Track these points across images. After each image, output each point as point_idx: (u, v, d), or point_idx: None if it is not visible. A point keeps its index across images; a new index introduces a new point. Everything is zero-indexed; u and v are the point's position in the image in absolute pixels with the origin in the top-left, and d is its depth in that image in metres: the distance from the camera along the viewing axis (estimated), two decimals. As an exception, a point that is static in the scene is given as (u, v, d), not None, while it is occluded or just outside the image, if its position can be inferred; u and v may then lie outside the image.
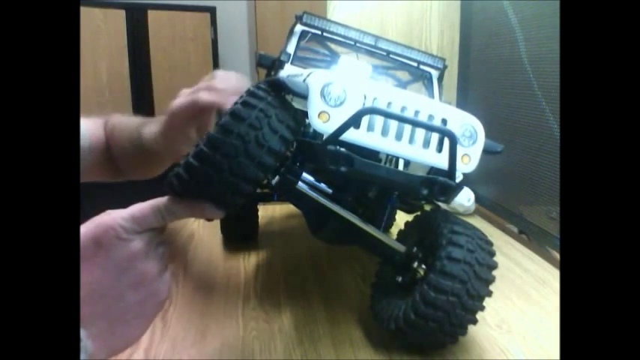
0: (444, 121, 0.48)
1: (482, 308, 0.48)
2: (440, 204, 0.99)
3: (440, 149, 0.48)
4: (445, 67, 0.64)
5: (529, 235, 0.90)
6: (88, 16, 2.02)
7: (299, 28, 0.61)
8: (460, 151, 0.48)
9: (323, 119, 0.45)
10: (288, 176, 0.50)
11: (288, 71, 0.58)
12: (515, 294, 0.66)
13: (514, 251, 0.82)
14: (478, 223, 0.96)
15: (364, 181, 0.51)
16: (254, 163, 0.39)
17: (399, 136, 0.47)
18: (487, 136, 0.50)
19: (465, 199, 0.97)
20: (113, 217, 0.37)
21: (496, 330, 0.57)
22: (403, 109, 0.47)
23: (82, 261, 0.35)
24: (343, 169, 0.46)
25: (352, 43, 0.63)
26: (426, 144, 0.48)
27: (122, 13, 2.15)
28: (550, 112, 0.78)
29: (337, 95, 0.46)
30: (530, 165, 0.86)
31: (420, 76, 0.65)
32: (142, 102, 2.20)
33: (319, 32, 0.61)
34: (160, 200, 0.40)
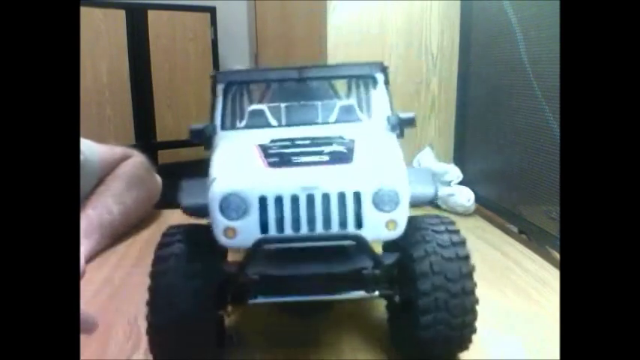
0: (357, 194, 0.43)
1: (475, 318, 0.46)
2: (440, 204, 0.99)
3: (359, 224, 0.43)
4: (385, 67, 0.61)
5: (529, 235, 0.90)
6: (88, 16, 2.02)
7: (220, 85, 0.58)
8: (383, 217, 0.43)
9: (230, 235, 0.42)
10: (242, 293, 0.46)
11: (222, 140, 0.52)
12: (516, 294, 0.66)
13: (514, 251, 0.82)
14: (478, 223, 0.96)
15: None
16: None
17: (311, 225, 0.43)
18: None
19: (465, 199, 0.97)
20: None
21: (496, 330, 0.57)
22: (311, 196, 0.43)
23: None
24: (261, 298, 0.45)
25: (277, 82, 0.62)
26: (343, 224, 0.43)
27: (122, 13, 2.15)
28: (550, 113, 0.78)
29: (237, 206, 0.42)
30: (530, 165, 0.86)
31: (364, 84, 0.63)
32: (142, 102, 2.20)
33: (243, 82, 0.60)
34: None
